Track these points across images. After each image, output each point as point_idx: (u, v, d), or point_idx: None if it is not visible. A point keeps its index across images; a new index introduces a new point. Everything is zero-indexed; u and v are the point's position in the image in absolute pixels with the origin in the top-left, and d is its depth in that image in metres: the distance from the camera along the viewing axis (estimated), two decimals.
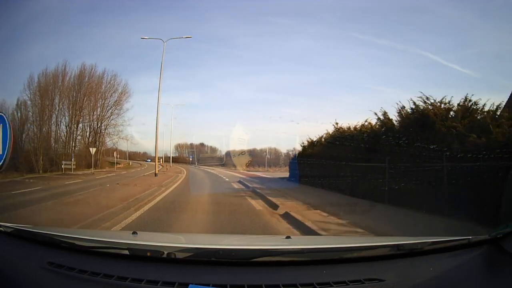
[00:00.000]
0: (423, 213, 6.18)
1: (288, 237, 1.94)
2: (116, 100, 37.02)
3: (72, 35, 52.94)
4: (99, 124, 36.90)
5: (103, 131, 37.02)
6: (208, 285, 1.25)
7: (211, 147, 66.65)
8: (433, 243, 1.55)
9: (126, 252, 1.47)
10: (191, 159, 52.79)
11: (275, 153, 60.09)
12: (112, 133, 37.29)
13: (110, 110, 37.07)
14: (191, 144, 67.76)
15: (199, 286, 1.25)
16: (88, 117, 35.86)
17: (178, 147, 71.62)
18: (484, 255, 1.48)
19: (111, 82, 36.32)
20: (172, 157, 67.94)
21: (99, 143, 35.61)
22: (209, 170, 33.31)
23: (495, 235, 1.49)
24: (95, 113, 36.53)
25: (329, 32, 49.61)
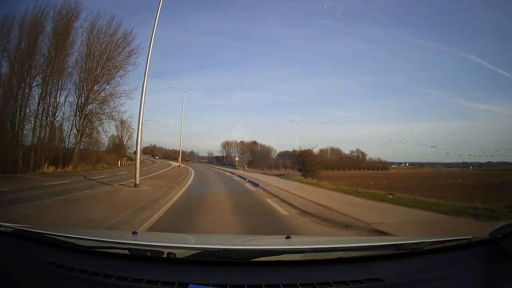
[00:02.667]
0: None
1: (288, 237, 1.94)
2: (112, 58, 23.77)
3: None
4: (84, 97, 23.22)
5: (86, 107, 23.64)
6: (208, 285, 1.25)
7: (264, 145, 56.42)
8: (433, 243, 1.55)
9: (126, 252, 1.47)
10: (237, 158, 39.37)
11: (337, 153, 53.16)
12: (102, 111, 24.77)
13: (104, 75, 23.68)
14: (242, 142, 57.32)
15: (199, 286, 1.25)
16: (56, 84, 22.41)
17: (226, 145, 61.43)
18: (484, 255, 1.48)
19: (106, 31, 23.50)
20: (218, 156, 61.43)
21: (80, 126, 23.65)
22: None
23: (495, 235, 1.49)
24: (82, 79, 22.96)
25: (377, 34, 49.22)
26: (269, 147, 57.27)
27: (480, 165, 41.33)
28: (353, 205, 7.82)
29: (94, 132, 26.53)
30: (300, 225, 5.68)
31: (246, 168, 34.72)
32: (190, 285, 1.25)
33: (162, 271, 1.37)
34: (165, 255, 1.41)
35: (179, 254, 1.42)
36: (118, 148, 37.42)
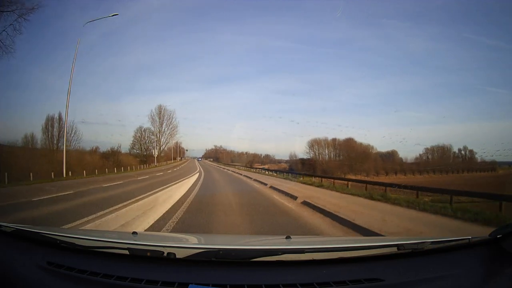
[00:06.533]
0: None
1: (288, 237, 1.93)
2: None
3: None
4: None
5: None
6: (208, 285, 1.25)
7: (361, 143, 43.11)
8: (433, 243, 1.54)
9: (126, 252, 1.47)
10: None
11: (444, 152, 41.81)
12: None
13: None
14: (334, 140, 43.47)
15: (199, 286, 1.25)
16: None
17: (314, 144, 46.40)
18: (484, 255, 1.48)
19: None
20: (303, 159, 44.69)
21: None
22: None
23: (495, 235, 1.49)
24: None
25: (441, 33, 47.15)
26: (368, 145, 44.89)
27: None
28: None
29: None
30: None
31: None
32: (190, 285, 1.25)
33: (162, 271, 1.37)
34: (165, 255, 1.41)
35: (179, 254, 1.42)
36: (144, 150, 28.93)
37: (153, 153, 36.33)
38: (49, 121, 29.47)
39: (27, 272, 1.45)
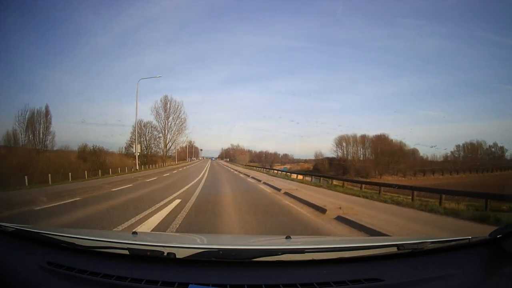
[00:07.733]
0: None
1: (288, 237, 1.93)
2: None
3: None
4: None
5: None
6: (208, 285, 1.25)
7: (391, 140, 38.59)
8: (433, 243, 1.55)
9: (126, 252, 1.47)
10: None
11: (475, 150, 37.56)
12: None
13: None
14: (363, 137, 39.51)
15: (199, 286, 1.25)
16: None
17: (342, 141, 40.92)
18: (484, 255, 1.48)
19: None
20: (329, 158, 39.43)
21: None
22: None
23: (495, 235, 1.49)
24: None
25: (454, 31, 46.04)
26: (401, 141, 39.82)
27: None
28: None
29: None
30: None
31: None
32: (190, 285, 1.25)
33: (162, 271, 1.37)
34: (165, 255, 1.41)
35: (179, 254, 1.42)
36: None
37: (134, 150, 28.43)
38: (35, 116, 27.06)
39: (27, 272, 1.45)
